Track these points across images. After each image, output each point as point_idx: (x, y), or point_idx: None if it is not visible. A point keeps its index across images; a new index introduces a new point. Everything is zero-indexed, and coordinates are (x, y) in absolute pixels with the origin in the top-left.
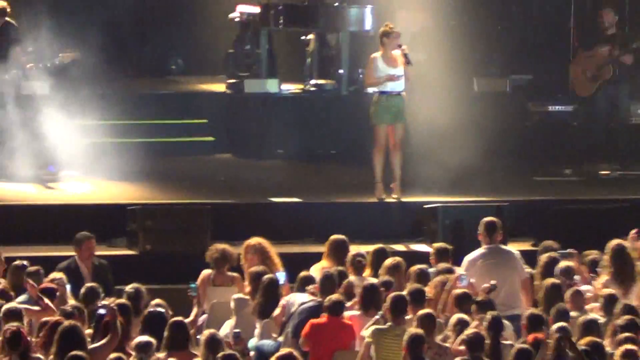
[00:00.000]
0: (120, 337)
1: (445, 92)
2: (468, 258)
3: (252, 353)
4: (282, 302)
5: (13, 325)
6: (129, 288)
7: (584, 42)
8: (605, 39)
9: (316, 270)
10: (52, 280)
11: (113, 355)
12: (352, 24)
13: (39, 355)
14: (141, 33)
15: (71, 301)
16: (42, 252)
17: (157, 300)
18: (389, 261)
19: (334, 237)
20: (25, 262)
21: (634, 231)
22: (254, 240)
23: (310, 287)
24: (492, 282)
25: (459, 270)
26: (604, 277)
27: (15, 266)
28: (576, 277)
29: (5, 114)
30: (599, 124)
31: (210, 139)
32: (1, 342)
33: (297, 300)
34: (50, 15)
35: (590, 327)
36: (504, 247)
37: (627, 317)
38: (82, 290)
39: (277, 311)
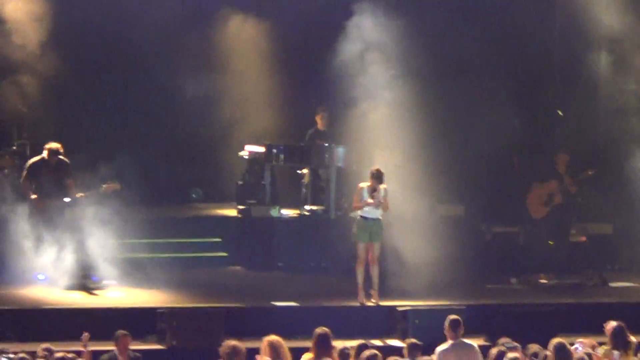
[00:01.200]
0: None
1: (414, 217)
2: (439, 349)
3: None
4: None
5: None
6: None
7: (540, 175)
8: (557, 174)
9: None
10: None
11: None
12: (339, 161)
13: None
14: (168, 168)
15: None
16: (88, 347)
17: None
18: (366, 353)
19: (317, 330)
20: None
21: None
22: (271, 337)
23: None
24: None
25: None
26: None
27: None
28: None
29: (59, 234)
30: (543, 241)
31: (224, 254)
32: None
33: None
34: (92, 151)
35: None
36: (466, 341)
37: None
38: None
39: None
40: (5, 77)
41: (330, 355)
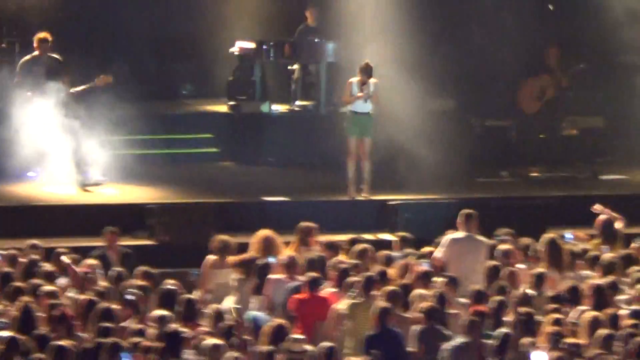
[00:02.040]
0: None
1: (405, 111)
2: (450, 237)
3: (249, 324)
4: (269, 283)
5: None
6: (142, 270)
7: (531, 70)
8: (548, 67)
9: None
10: (87, 266)
11: (136, 326)
12: (329, 56)
13: (80, 333)
14: (158, 63)
15: (102, 283)
16: (78, 243)
17: (171, 281)
18: (358, 247)
19: (300, 224)
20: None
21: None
22: (264, 232)
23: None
24: None
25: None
26: (542, 265)
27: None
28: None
29: (50, 132)
30: (535, 134)
31: (215, 150)
32: (48, 320)
33: (281, 281)
34: (83, 49)
35: (524, 300)
36: (477, 236)
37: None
38: (111, 273)
39: (266, 291)
40: None
41: (310, 246)
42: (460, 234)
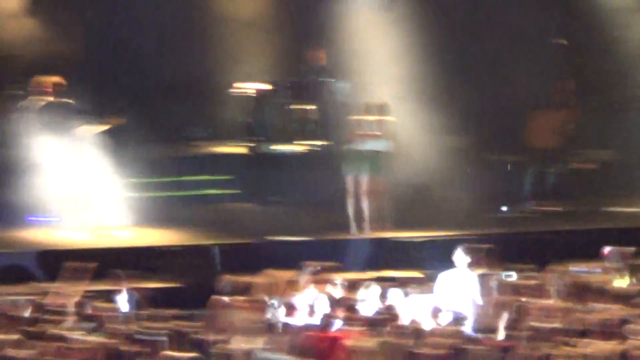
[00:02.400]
0: None
1: (419, 148)
2: (442, 274)
3: None
4: (280, 324)
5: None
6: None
7: (545, 105)
8: (563, 102)
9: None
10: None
11: None
12: (339, 96)
13: None
14: (175, 106)
15: (113, 325)
16: (89, 287)
17: (181, 322)
18: (369, 285)
19: (311, 263)
20: None
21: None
22: (269, 271)
23: None
24: None
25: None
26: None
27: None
28: None
29: (65, 176)
30: (547, 169)
31: (234, 191)
32: None
33: (293, 320)
34: (94, 92)
35: (534, 334)
36: (468, 270)
37: None
38: (122, 316)
39: (278, 330)
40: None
41: (321, 285)
42: (450, 270)
